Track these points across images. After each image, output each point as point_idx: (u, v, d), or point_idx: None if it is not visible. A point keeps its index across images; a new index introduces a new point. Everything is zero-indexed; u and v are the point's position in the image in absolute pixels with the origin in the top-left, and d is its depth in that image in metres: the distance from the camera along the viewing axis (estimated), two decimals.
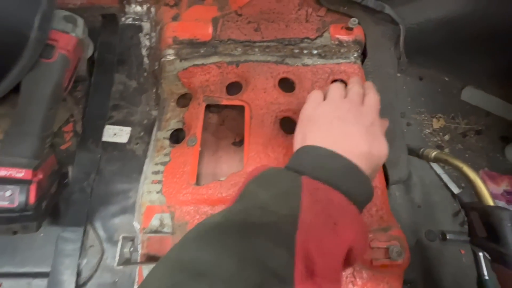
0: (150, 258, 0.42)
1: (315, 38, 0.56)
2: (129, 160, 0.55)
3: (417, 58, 0.65)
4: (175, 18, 0.56)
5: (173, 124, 0.51)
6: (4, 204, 0.38)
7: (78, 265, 0.48)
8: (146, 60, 0.62)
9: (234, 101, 0.51)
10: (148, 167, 0.48)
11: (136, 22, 0.64)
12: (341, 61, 0.55)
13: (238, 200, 0.32)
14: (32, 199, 0.39)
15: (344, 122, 0.35)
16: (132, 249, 0.43)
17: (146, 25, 0.64)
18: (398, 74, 0.68)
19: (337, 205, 0.29)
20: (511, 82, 0.65)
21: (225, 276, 0.22)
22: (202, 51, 0.54)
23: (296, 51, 0.55)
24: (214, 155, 0.52)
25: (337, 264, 0.27)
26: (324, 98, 0.40)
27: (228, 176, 0.45)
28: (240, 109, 0.51)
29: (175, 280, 0.22)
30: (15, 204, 0.38)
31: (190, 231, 0.27)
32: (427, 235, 0.57)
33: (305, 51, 0.55)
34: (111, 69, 0.60)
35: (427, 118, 0.68)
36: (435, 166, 0.63)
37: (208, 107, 0.51)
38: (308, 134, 0.36)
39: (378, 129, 0.37)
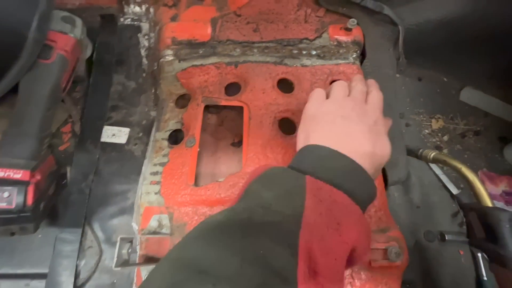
0: (148, 259, 0.41)
1: (314, 39, 0.56)
2: (127, 161, 0.55)
3: (416, 58, 0.65)
4: (174, 19, 0.56)
5: (172, 125, 0.51)
6: (2, 205, 0.38)
7: (76, 266, 0.48)
8: (145, 60, 0.62)
9: (233, 101, 0.51)
10: (147, 168, 0.48)
11: (135, 23, 0.64)
12: (340, 61, 0.55)
13: (241, 199, 0.31)
14: (30, 200, 0.39)
15: (348, 121, 0.35)
16: (130, 250, 0.43)
17: (145, 26, 0.64)
18: (397, 75, 0.68)
19: (341, 205, 0.29)
20: (510, 83, 0.65)
21: (228, 274, 0.22)
22: (201, 52, 0.54)
23: (295, 51, 0.55)
24: (212, 156, 0.52)
25: (340, 264, 0.27)
26: (327, 97, 0.39)
27: (226, 177, 0.45)
28: (239, 109, 0.51)
29: (178, 278, 0.22)
30: (13, 205, 0.38)
31: (192, 229, 0.27)
32: (426, 236, 0.57)
33: (304, 52, 0.55)
34: (109, 69, 0.60)
35: (426, 119, 0.68)
36: (434, 166, 0.63)
37: (207, 107, 0.51)
38: (311, 133, 0.36)
39: (382, 128, 0.36)
